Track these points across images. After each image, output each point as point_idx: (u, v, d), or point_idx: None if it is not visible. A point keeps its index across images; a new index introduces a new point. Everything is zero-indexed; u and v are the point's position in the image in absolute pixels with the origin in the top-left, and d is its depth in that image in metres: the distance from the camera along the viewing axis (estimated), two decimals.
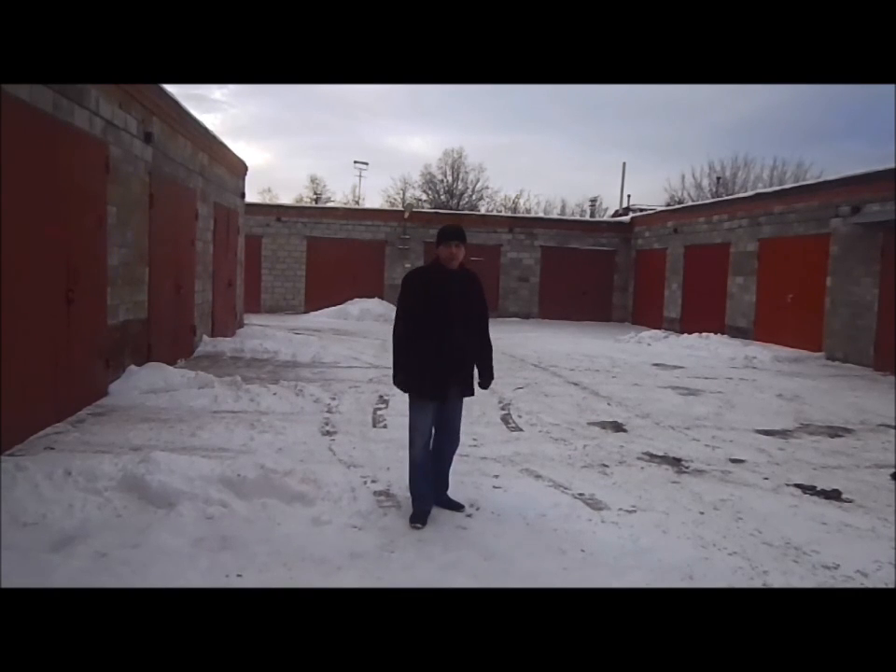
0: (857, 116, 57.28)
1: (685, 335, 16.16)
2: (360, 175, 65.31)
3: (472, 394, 4.53)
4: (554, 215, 40.73)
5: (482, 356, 4.61)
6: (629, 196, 32.48)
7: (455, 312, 4.33)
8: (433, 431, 4.50)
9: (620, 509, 4.71)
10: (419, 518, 4.31)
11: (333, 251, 21.72)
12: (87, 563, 3.52)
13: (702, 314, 18.23)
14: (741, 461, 6.06)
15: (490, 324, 4.64)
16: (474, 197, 43.43)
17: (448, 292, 4.35)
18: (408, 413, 4.51)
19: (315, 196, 46.09)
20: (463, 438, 4.80)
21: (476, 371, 4.59)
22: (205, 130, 11.52)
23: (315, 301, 21.06)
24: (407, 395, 4.49)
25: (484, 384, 4.66)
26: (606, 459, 5.98)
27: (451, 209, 35.75)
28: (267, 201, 36.58)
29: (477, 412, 7.29)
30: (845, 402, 9.20)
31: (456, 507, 4.55)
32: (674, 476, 5.57)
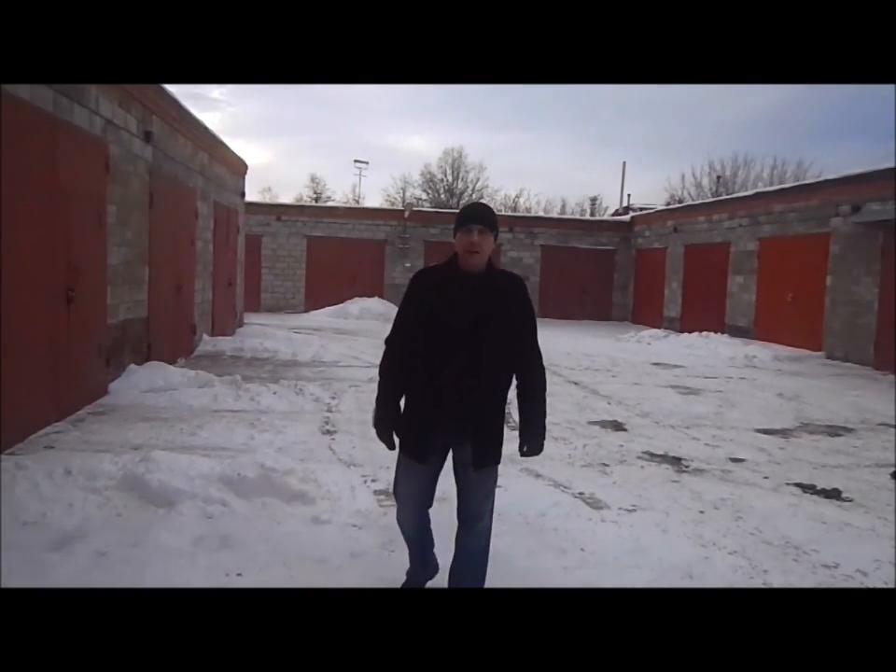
0: (857, 115, 57.33)
1: (685, 334, 16.16)
2: (360, 175, 65.49)
3: (492, 461, 3.09)
4: (555, 214, 40.76)
5: (526, 403, 3.09)
6: (629, 195, 32.51)
7: (461, 337, 2.92)
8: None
9: (620, 508, 4.71)
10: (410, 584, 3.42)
11: (333, 250, 21.71)
12: (87, 562, 3.53)
13: (702, 313, 18.23)
14: (741, 460, 6.07)
15: None
16: (474, 196, 43.42)
17: (457, 306, 2.93)
18: None
19: (314, 195, 46.11)
20: None
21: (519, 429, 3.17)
22: (205, 129, 11.51)
23: (314, 300, 21.06)
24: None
25: (528, 449, 3.13)
26: (606, 458, 5.98)
27: (451, 208, 35.73)
28: (267, 200, 36.59)
29: None
30: (845, 401, 9.20)
31: None
32: (674, 475, 5.57)
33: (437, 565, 3.41)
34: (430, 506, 3.25)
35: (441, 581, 3.45)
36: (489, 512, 3.21)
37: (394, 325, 3.16)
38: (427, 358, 2.99)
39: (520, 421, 3.15)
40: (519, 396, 3.11)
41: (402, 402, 3.17)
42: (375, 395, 3.20)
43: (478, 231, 2.94)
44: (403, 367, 3.07)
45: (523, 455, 3.17)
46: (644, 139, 65.11)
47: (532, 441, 3.13)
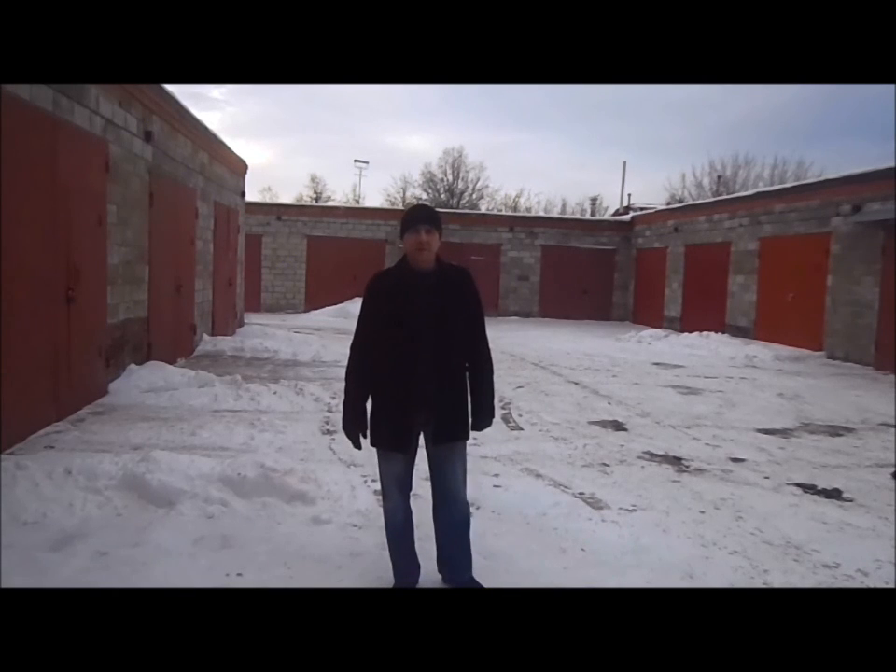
0: (857, 115, 57.34)
1: (685, 334, 16.14)
2: (360, 175, 65.54)
3: (461, 436, 3.31)
4: (555, 213, 40.73)
5: (476, 385, 3.34)
6: (629, 195, 32.55)
7: (423, 332, 3.15)
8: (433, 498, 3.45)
9: (620, 508, 4.71)
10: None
11: (333, 250, 21.71)
12: (87, 562, 3.53)
13: (702, 312, 18.22)
14: (742, 460, 6.06)
15: (490, 323, 3.49)
16: (474, 196, 43.47)
17: (415, 305, 3.15)
18: None
19: (315, 195, 46.11)
20: None
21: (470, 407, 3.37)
22: (205, 128, 11.51)
23: (315, 299, 21.07)
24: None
25: (478, 424, 3.35)
26: (606, 458, 5.98)
27: (451, 208, 35.73)
28: (267, 199, 36.56)
29: None
30: (845, 401, 9.20)
31: None
32: (674, 475, 5.57)
33: (419, 564, 3.47)
34: (410, 489, 3.41)
35: (432, 578, 3.46)
36: (464, 489, 3.39)
37: (357, 330, 3.32)
38: (393, 356, 3.20)
39: (472, 401, 3.35)
40: (471, 379, 3.33)
41: (370, 402, 3.37)
42: (343, 398, 3.38)
43: (425, 231, 3.14)
44: (368, 369, 3.28)
45: (473, 429, 3.38)
46: (644, 139, 65.23)
47: (482, 418, 3.37)
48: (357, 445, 3.35)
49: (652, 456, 6.09)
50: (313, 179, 51.11)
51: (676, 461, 5.97)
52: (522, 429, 6.88)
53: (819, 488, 5.35)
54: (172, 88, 9.40)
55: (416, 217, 3.20)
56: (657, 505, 4.81)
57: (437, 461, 3.34)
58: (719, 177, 36.61)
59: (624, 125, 69.07)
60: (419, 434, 3.30)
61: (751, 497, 5.04)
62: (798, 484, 5.43)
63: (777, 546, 4.17)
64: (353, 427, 3.33)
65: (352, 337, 3.37)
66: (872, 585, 3.71)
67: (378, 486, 4.81)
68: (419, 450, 3.37)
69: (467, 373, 3.34)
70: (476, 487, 4.95)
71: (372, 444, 3.33)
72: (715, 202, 20.39)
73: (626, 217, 24.41)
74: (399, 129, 70.09)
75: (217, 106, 62.42)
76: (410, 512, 3.41)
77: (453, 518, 3.36)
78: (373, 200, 52.04)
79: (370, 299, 3.28)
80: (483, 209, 39.84)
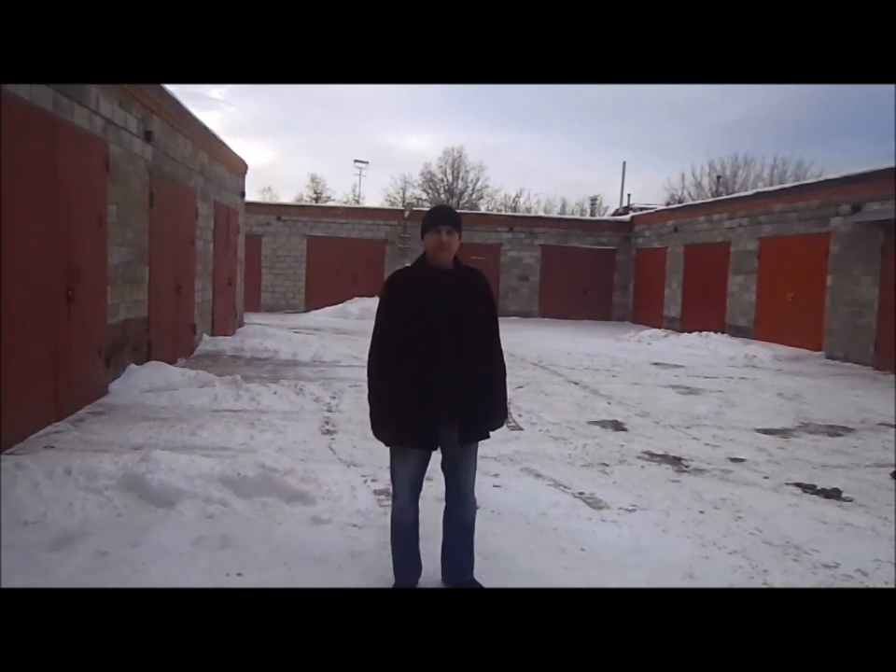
0: (857, 115, 57.36)
1: (685, 334, 16.14)
2: (360, 175, 65.57)
3: (479, 436, 3.33)
4: (555, 213, 40.75)
5: (489, 385, 3.33)
6: (629, 195, 32.51)
7: (443, 327, 3.17)
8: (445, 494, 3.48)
9: (620, 508, 4.71)
10: None
11: (333, 250, 21.71)
12: (87, 562, 3.53)
13: (702, 312, 18.22)
14: (741, 460, 6.07)
15: None
16: (474, 196, 43.45)
17: (435, 300, 3.18)
18: None
19: (315, 195, 46.11)
20: None
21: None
22: (205, 128, 11.51)
23: (315, 299, 21.06)
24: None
25: (491, 424, 3.37)
26: (606, 458, 5.98)
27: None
28: (267, 199, 36.54)
29: None
30: (845, 401, 9.20)
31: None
32: (674, 475, 5.57)
33: (421, 565, 3.45)
34: (421, 490, 3.40)
35: (432, 578, 3.45)
36: (473, 487, 3.43)
37: (376, 326, 3.31)
38: (414, 351, 3.19)
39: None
40: (482, 381, 3.32)
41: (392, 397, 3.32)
42: (367, 395, 3.32)
43: (446, 232, 3.19)
44: (391, 364, 3.23)
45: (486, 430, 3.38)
46: (644, 139, 65.25)
47: (495, 418, 3.38)
48: (389, 442, 3.30)
49: (652, 456, 6.10)
50: (313, 179, 51.14)
51: (675, 461, 5.97)
52: (522, 429, 6.88)
53: (819, 488, 5.35)
54: (172, 88, 9.40)
55: (438, 218, 3.24)
56: (657, 505, 4.81)
57: (454, 461, 3.34)
58: (718, 177, 36.61)
59: (624, 125, 69.17)
60: (438, 432, 3.26)
61: (751, 497, 5.04)
62: (798, 484, 5.43)
63: (777, 546, 4.17)
64: (382, 424, 3.27)
65: (371, 336, 3.34)
66: (871, 585, 3.71)
67: (378, 486, 4.85)
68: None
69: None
70: (476, 487, 4.94)
71: (396, 441, 3.30)
72: (715, 202, 20.40)
73: (626, 217, 24.40)
74: (398, 129, 70.08)
75: (217, 106, 62.45)
76: (417, 514, 3.39)
77: (462, 520, 3.41)
78: (373, 200, 52.10)
79: (389, 294, 3.28)
80: (482, 209, 39.83)
